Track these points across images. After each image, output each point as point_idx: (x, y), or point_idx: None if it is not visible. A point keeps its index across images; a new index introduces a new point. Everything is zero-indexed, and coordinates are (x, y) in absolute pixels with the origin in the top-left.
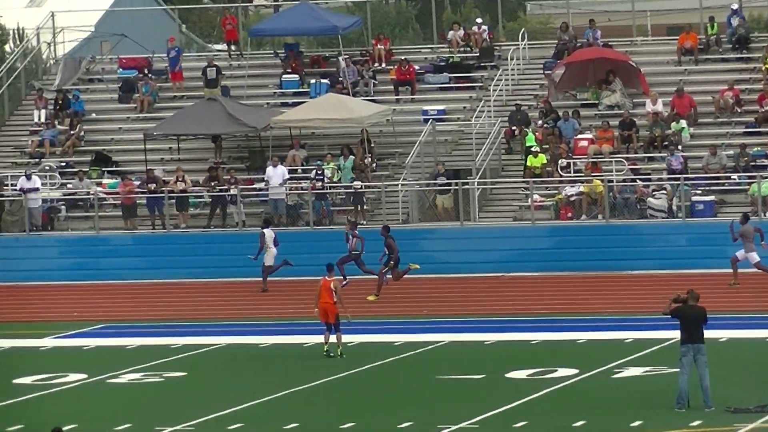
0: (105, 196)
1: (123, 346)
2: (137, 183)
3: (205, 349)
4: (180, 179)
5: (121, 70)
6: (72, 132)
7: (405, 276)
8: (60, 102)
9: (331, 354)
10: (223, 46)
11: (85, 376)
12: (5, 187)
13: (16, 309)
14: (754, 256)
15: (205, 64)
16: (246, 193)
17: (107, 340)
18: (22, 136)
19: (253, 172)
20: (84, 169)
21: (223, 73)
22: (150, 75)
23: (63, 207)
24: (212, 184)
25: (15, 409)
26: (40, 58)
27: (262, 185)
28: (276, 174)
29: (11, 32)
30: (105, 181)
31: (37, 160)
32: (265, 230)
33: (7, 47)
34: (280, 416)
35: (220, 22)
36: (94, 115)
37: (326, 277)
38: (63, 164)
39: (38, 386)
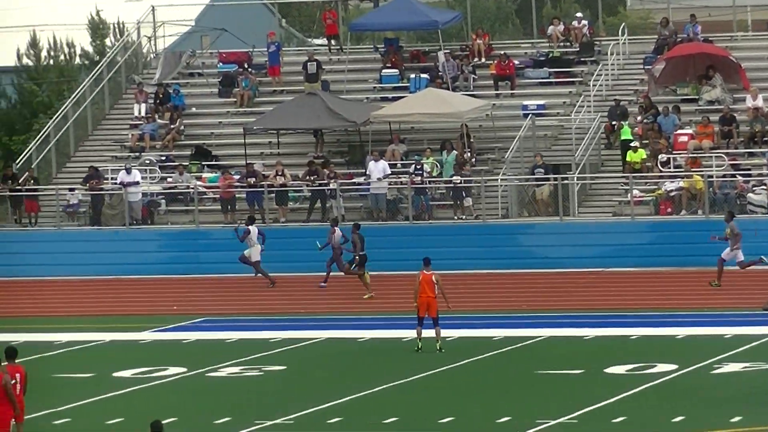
0: (205, 190)
1: (222, 340)
2: (237, 177)
3: (305, 343)
4: (279, 173)
5: (221, 64)
6: (172, 126)
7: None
8: (160, 96)
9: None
10: (323, 41)
11: (184, 369)
12: (105, 181)
13: (116, 302)
14: (740, 255)
15: (305, 59)
16: (345, 187)
17: (207, 333)
18: (122, 130)
19: (352, 166)
20: (184, 163)
21: (323, 67)
22: (250, 69)
23: (163, 201)
24: (312, 178)
25: (115, 402)
26: (141, 52)
27: (361, 180)
28: (377, 168)
29: (112, 26)
30: (205, 175)
31: (137, 154)
32: (249, 227)
33: (107, 41)
34: (378, 410)
35: (321, 16)
36: (194, 109)
37: (424, 271)
38: (163, 158)
39: (138, 379)
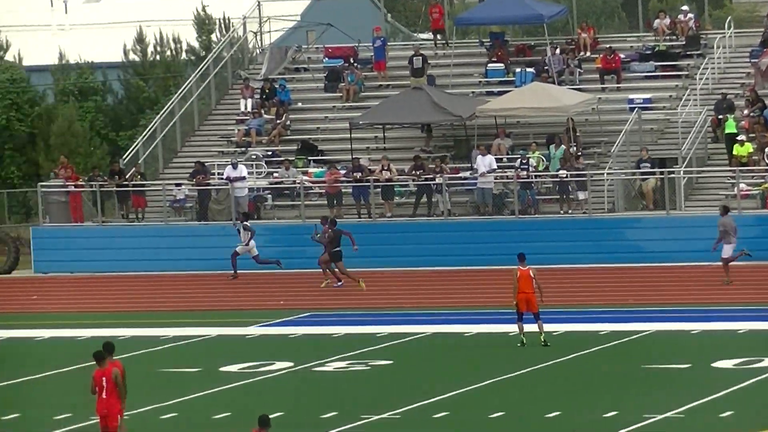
0: (311, 185)
1: (329, 335)
2: (343, 172)
3: (411, 338)
4: (385, 168)
5: (326, 59)
6: (278, 121)
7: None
8: (266, 91)
9: (547, 343)
10: (429, 36)
11: (291, 364)
12: (212, 176)
13: (223, 297)
14: (728, 250)
15: (410, 54)
16: (451, 182)
17: (313, 328)
18: (228, 126)
19: (458, 160)
20: (290, 158)
21: (429, 62)
22: (356, 64)
23: (269, 196)
24: (417, 172)
25: (222, 396)
26: (247, 47)
27: (467, 174)
28: (483, 163)
29: (218, 22)
30: (311, 170)
31: (243, 149)
32: (244, 223)
33: (213, 37)
34: (485, 405)
35: (427, 11)
36: (300, 104)
37: (520, 267)
38: (269, 153)
39: (245, 374)
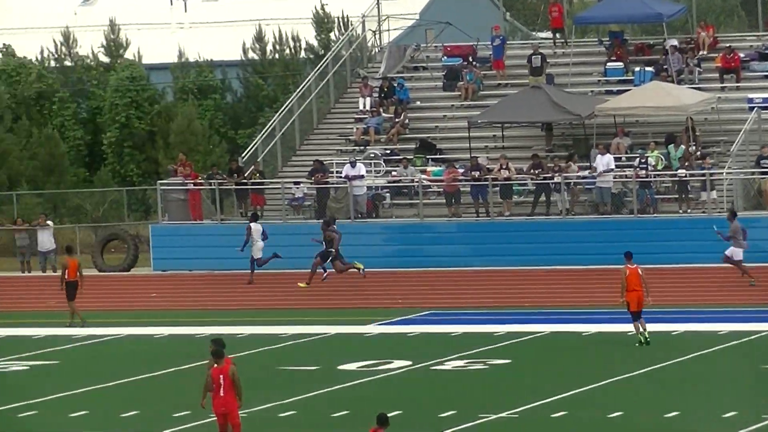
0: (429, 183)
1: (447, 333)
2: (461, 170)
3: (529, 337)
4: (504, 167)
5: (445, 58)
6: (396, 120)
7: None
8: (385, 90)
9: (649, 341)
10: (548, 34)
11: (409, 362)
12: (330, 175)
13: (342, 295)
14: (739, 253)
15: (529, 52)
16: (570, 180)
17: (431, 327)
18: (347, 124)
19: (577, 159)
20: (408, 157)
21: (547, 61)
22: (474, 63)
23: (387, 194)
24: (536, 171)
25: (340, 394)
26: (365, 45)
27: (586, 173)
28: (602, 162)
29: (336, 20)
30: (429, 168)
31: (361, 147)
32: (252, 224)
33: (332, 35)
34: (603, 404)
35: (546, 9)
36: (418, 102)
37: (629, 265)
38: (387, 152)
39: (363, 372)
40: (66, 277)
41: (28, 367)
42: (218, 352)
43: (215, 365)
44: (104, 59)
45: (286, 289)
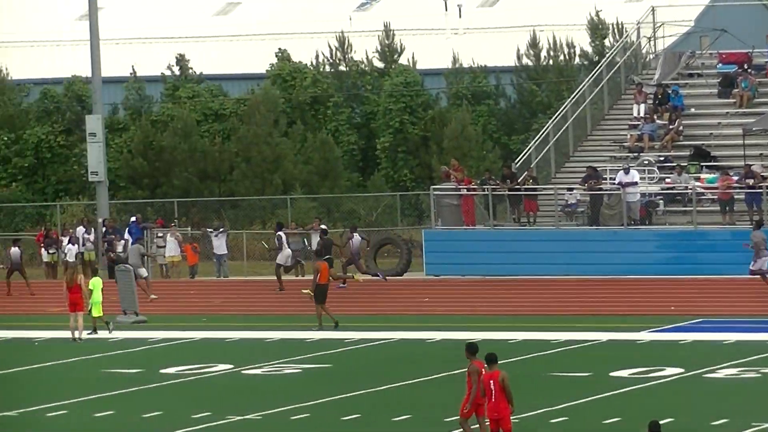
0: (703, 191)
1: (720, 341)
2: (735, 178)
3: None
4: None
5: (720, 65)
6: (671, 127)
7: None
8: (659, 96)
9: None
10: None
11: (681, 370)
12: (604, 181)
13: (614, 302)
14: (760, 263)
15: None
16: None
17: (704, 334)
18: (620, 130)
19: None
20: (682, 164)
21: None
22: (750, 70)
23: (661, 201)
24: None
25: (612, 401)
26: (640, 52)
27: None
28: None
29: (611, 26)
30: (703, 175)
31: (635, 154)
32: (280, 232)
33: (606, 41)
34: None
35: None
36: (692, 110)
37: None
38: (661, 159)
39: (635, 379)
40: (318, 280)
41: (300, 370)
42: (490, 356)
43: (482, 370)
44: (379, 64)
45: (559, 295)
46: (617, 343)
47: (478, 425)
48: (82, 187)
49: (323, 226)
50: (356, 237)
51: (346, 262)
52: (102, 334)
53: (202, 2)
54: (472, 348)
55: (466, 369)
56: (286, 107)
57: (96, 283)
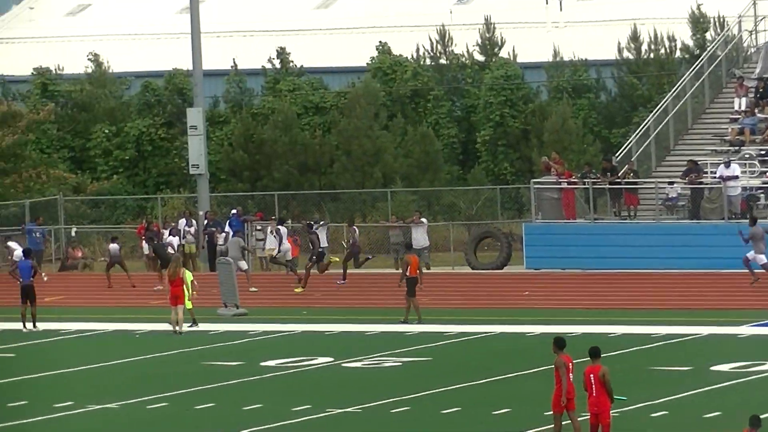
0: None
1: None
2: None
3: None
4: None
5: None
6: None
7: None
8: (760, 90)
9: None
10: None
11: None
12: (704, 175)
13: (714, 296)
14: (762, 258)
15: None
16: None
17: None
18: (722, 124)
19: None
20: None
21: None
22: None
23: (762, 195)
24: None
25: (712, 396)
26: (741, 46)
27: None
28: None
29: (712, 20)
30: None
31: (736, 148)
32: (279, 227)
33: (708, 35)
34: None
35: None
36: None
37: None
38: (762, 152)
39: (736, 373)
40: (408, 273)
41: (400, 364)
42: (593, 350)
43: (570, 365)
44: (479, 57)
45: (662, 288)
46: (718, 337)
47: (570, 420)
48: (182, 179)
49: (423, 219)
50: (356, 230)
51: (347, 256)
52: (203, 326)
53: None
54: (559, 342)
55: (553, 364)
56: (387, 100)
57: (186, 277)
